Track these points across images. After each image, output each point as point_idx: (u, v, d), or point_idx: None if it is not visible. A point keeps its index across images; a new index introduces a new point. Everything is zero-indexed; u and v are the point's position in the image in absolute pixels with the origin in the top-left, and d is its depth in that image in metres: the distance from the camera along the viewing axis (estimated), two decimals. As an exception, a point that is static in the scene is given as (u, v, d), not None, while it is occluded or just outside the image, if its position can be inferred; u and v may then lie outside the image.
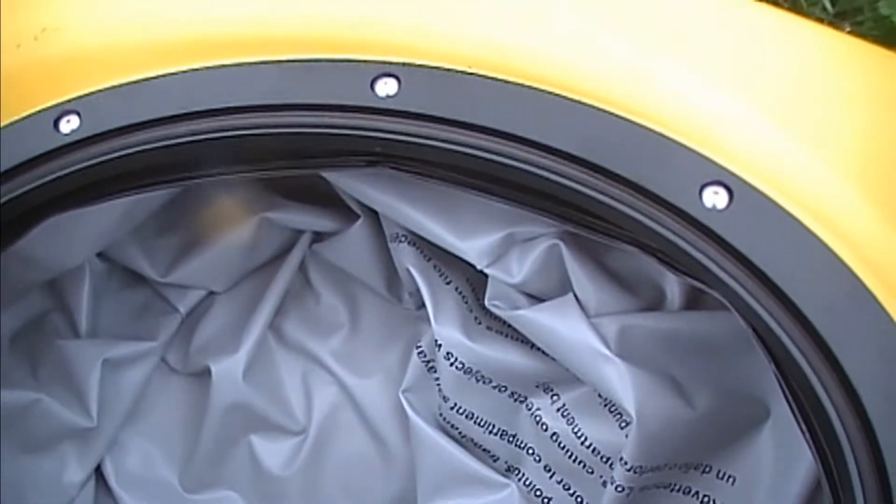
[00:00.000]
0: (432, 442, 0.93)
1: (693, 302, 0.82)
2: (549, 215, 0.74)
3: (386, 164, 0.75)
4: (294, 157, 0.79)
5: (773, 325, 0.59)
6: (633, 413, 0.77)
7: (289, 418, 1.03)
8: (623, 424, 0.84)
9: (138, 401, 1.06)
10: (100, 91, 0.75)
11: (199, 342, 1.06)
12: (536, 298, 0.87)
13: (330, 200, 0.99)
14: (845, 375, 0.57)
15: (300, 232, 1.05)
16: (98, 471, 1.05)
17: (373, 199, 0.89)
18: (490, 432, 0.93)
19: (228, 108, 0.72)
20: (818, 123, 0.65)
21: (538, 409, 0.89)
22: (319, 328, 1.06)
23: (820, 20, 1.41)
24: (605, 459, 0.85)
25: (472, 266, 0.86)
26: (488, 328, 0.92)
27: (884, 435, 0.55)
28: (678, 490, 0.83)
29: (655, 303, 0.84)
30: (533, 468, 0.91)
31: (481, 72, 0.68)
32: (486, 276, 0.87)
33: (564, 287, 0.84)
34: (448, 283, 0.93)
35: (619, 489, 0.80)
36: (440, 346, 0.89)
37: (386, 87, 0.69)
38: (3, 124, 0.75)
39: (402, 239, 0.93)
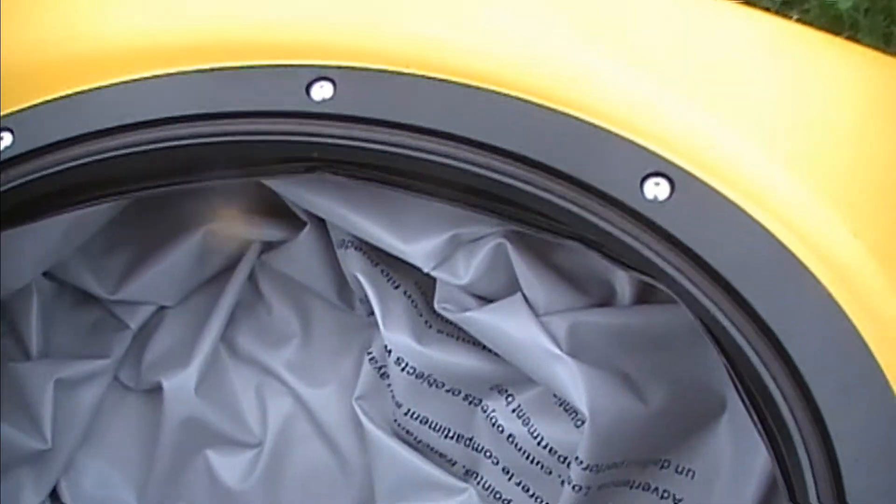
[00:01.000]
0: (388, 449, 0.92)
1: (644, 296, 0.82)
2: (493, 214, 0.73)
3: (325, 170, 0.74)
4: (234, 166, 0.77)
5: (720, 316, 0.58)
6: (585, 411, 0.77)
7: (244, 431, 1.02)
8: (578, 423, 0.83)
9: (93, 421, 1.05)
10: (31, 107, 0.73)
11: (150, 358, 1.05)
12: (486, 300, 0.87)
13: (276, 209, 0.98)
14: (794, 365, 0.56)
15: (249, 242, 1.04)
16: (53, 493, 1.03)
17: (316, 205, 0.88)
18: (446, 437, 0.92)
19: (163, 119, 0.71)
20: (761, 111, 0.65)
21: (493, 410, 0.88)
22: (272, 339, 1.05)
23: (767, 9, 1.42)
24: (562, 459, 0.84)
25: (420, 269, 0.85)
26: (439, 332, 0.91)
27: (834, 424, 0.55)
28: (637, 487, 0.83)
29: (606, 299, 0.83)
30: (491, 471, 0.90)
31: (418, 71, 0.67)
32: (434, 279, 0.87)
33: (513, 287, 0.83)
34: (397, 288, 0.92)
35: (577, 489, 0.80)
36: (390, 351, 0.89)
37: (322, 90, 0.68)
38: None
39: (349, 245, 0.92)
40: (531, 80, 0.66)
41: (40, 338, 1.03)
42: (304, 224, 0.97)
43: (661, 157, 0.62)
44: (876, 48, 0.79)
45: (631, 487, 0.83)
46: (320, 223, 0.96)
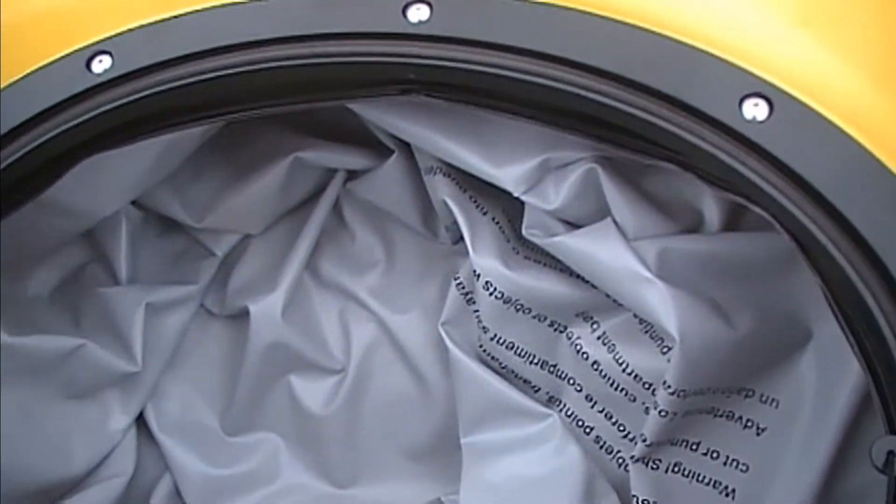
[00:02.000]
0: (473, 374, 0.92)
1: (732, 224, 0.82)
2: (586, 136, 0.73)
3: (420, 92, 0.74)
4: (327, 89, 0.78)
5: (819, 234, 0.58)
6: (675, 335, 0.76)
7: (327, 357, 1.04)
8: (665, 350, 0.83)
9: (178, 346, 1.07)
10: (130, 30, 0.74)
11: (236, 284, 1.07)
12: (574, 225, 0.87)
13: (362, 137, 0.99)
14: (894, 283, 0.56)
15: (333, 171, 1.05)
16: (140, 417, 1.06)
17: (405, 131, 0.89)
18: (530, 363, 0.92)
19: (258, 41, 0.72)
20: (858, 32, 0.64)
21: (578, 337, 0.89)
22: (356, 266, 1.06)
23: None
24: (647, 386, 0.85)
25: (509, 194, 0.86)
26: (526, 258, 0.92)
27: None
28: (721, 415, 0.83)
29: (694, 225, 0.83)
30: (574, 398, 0.91)
31: (512, -6, 0.67)
32: (522, 204, 0.87)
33: (602, 212, 0.83)
34: (485, 214, 0.92)
35: (663, 414, 0.80)
36: (479, 276, 0.89)
37: (418, 12, 0.68)
38: (34, 67, 0.75)
39: (437, 171, 0.92)
40: (629, 2, 0.65)
41: (129, 264, 1.05)
42: (390, 152, 0.98)
43: (760, 77, 0.61)
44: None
45: (715, 416, 0.83)
46: (406, 151, 0.97)
